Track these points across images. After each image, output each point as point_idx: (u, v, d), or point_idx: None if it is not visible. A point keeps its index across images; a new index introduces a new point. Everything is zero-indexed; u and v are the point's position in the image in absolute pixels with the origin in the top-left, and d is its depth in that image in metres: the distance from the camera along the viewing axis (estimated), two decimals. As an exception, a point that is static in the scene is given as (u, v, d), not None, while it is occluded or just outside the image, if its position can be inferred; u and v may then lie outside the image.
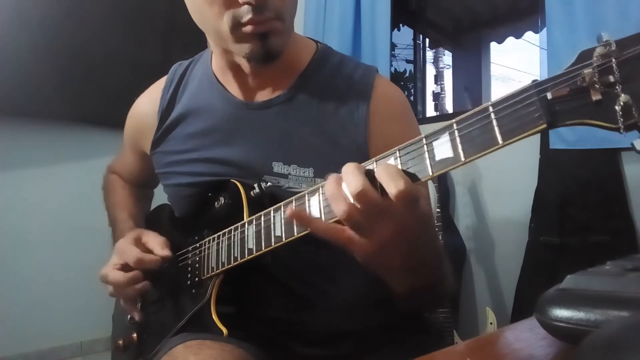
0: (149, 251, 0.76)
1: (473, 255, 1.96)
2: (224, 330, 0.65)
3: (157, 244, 0.76)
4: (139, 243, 0.77)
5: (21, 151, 1.86)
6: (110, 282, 0.76)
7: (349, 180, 0.48)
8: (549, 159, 1.68)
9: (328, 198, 0.50)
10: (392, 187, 0.46)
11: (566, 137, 1.60)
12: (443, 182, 1.95)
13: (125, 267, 0.76)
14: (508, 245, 1.84)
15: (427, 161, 0.47)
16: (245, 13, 0.63)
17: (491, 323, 1.64)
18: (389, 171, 0.47)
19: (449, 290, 0.73)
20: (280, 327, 0.74)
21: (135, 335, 0.83)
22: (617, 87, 0.36)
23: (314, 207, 0.56)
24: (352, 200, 0.48)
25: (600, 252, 1.51)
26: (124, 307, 0.82)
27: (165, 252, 0.74)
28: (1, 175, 1.82)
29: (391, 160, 0.50)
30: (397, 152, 0.50)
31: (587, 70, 0.38)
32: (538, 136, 1.71)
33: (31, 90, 1.79)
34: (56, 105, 1.87)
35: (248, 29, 0.65)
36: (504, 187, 1.86)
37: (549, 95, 0.39)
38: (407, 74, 3.34)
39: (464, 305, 1.96)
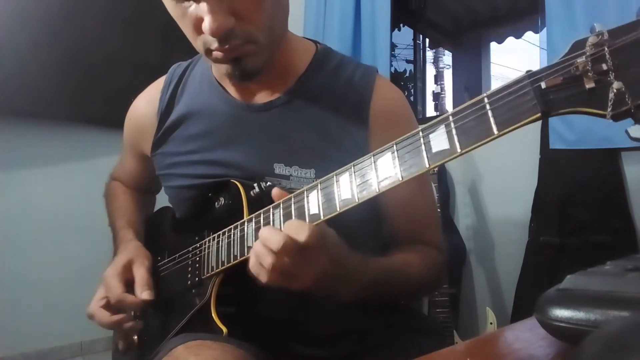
0: (135, 284, 0.75)
1: (473, 255, 1.96)
2: (224, 330, 0.65)
3: (140, 284, 0.74)
4: (128, 271, 0.76)
5: (21, 151, 1.86)
6: (97, 323, 0.76)
7: (271, 240, 0.55)
8: (549, 159, 1.68)
9: (257, 256, 0.58)
10: (301, 236, 0.54)
11: (566, 137, 1.60)
12: (443, 182, 1.95)
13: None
14: (508, 245, 1.84)
15: (424, 153, 0.47)
16: (212, 41, 0.64)
17: (491, 323, 1.64)
18: (294, 226, 0.55)
19: (426, 285, 0.80)
20: (280, 326, 0.74)
21: (136, 337, 0.83)
22: (610, 74, 0.37)
23: (313, 203, 0.57)
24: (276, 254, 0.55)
25: (600, 252, 1.51)
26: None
27: (145, 295, 0.73)
28: (1, 175, 1.82)
29: (388, 155, 0.50)
30: (394, 146, 0.50)
31: (580, 59, 0.38)
32: (538, 136, 1.71)
33: (31, 90, 1.79)
34: (56, 105, 1.87)
35: (218, 55, 0.66)
36: (504, 187, 1.86)
37: (543, 85, 0.40)
38: (407, 74, 3.34)
39: (464, 305, 1.96)
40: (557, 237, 1.62)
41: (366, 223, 0.73)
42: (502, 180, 1.86)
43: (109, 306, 0.75)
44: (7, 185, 1.82)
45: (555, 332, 0.36)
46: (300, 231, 0.54)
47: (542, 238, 1.65)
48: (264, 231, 0.57)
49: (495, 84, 3.44)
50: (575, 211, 1.61)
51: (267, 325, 0.73)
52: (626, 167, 1.57)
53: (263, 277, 0.58)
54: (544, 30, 1.74)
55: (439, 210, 1.71)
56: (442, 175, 1.93)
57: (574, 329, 0.34)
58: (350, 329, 0.75)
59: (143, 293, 0.73)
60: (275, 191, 0.63)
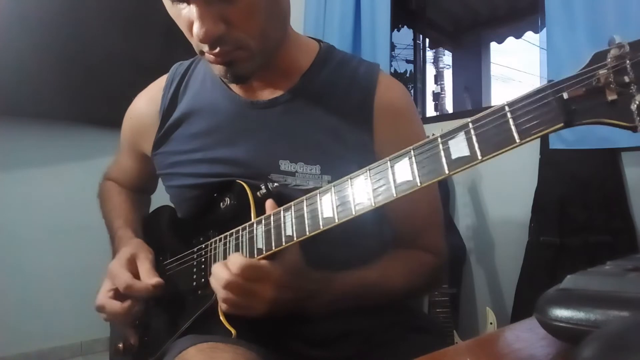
0: (141, 275, 0.74)
1: (473, 255, 1.96)
2: (233, 331, 0.64)
3: (147, 272, 0.73)
4: (132, 264, 0.75)
5: (21, 151, 1.86)
6: (108, 313, 0.75)
7: (218, 277, 0.62)
8: (549, 159, 1.68)
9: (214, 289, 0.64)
10: (235, 267, 0.61)
11: (566, 137, 1.60)
12: (443, 182, 1.95)
13: (118, 292, 0.74)
14: (508, 245, 1.84)
15: (443, 160, 0.47)
16: (203, 45, 0.65)
17: (491, 323, 1.64)
18: (233, 262, 0.62)
19: (413, 291, 0.81)
20: (284, 328, 0.73)
21: (137, 337, 0.82)
22: (632, 87, 0.37)
23: (326, 206, 0.56)
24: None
25: (600, 252, 1.51)
26: (121, 331, 0.82)
27: (154, 280, 0.72)
28: (1, 175, 1.82)
29: (405, 160, 0.50)
30: (412, 152, 0.50)
31: (602, 71, 0.39)
32: (538, 136, 1.70)
33: (32, 90, 1.79)
34: (57, 105, 1.86)
35: (210, 58, 0.67)
36: (504, 187, 1.86)
37: (565, 95, 0.40)
38: (407, 74, 3.34)
39: (464, 305, 1.96)
40: (557, 237, 1.62)
41: (367, 222, 0.73)
42: (502, 180, 1.86)
43: (117, 297, 0.75)
44: (7, 185, 1.82)
45: (555, 332, 0.36)
46: (235, 265, 0.61)
47: (542, 238, 1.65)
48: (215, 268, 0.64)
49: (495, 84, 3.44)
50: (575, 211, 1.61)
51: (272, 327, 0.73)
52: (626, 167, 1.57)
53: (223, 308, 0.64)
54: (544, 30, 1.74)
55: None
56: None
57: (574, 329, 0.34)
58: (353, 330, 0.75)
59: (152, 280, 0.72)
60: (268, 204, 0.66)
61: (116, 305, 0.74)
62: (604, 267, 0.42)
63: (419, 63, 2.75)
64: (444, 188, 1.96)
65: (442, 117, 2.91)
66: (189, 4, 0.62)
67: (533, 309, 0.38)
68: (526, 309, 0.41)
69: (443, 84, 3.84)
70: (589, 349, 0.26)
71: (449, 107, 3.68)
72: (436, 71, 3.88)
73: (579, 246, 1.57)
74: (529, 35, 3.06)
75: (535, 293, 0.39)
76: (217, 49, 0.65)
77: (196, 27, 0.61)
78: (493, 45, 3.40)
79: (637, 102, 0.37)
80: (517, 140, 0.43)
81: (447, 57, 3.84)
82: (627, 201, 1.55)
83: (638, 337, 0.26)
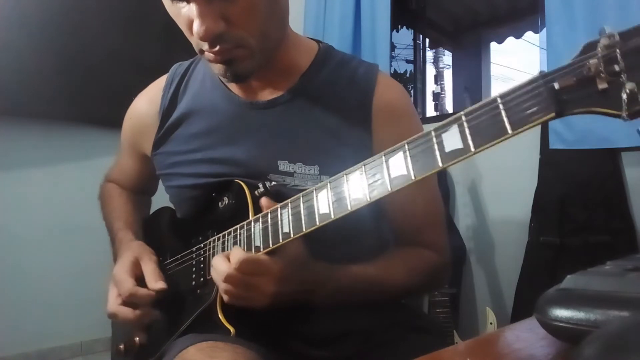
0: (146, 277, 0.74)
1: (473, 255, 1.96)
2: (232, 330, 0.65)
3: (152, 274, 0.73)
4: (136, 268, 0.75)
5: (21, 151, 1.86)
6: (121, 320, 0.75)
7: (218, 270, 0.63)
8: (549, 159, 1.68)
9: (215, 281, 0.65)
10: (234, 261, 0.61)
11: (566, 137, 1.60)
12: (443, 182, 1.95)
13: None
14: (508, 245, 1.83)
15: (437, 153, 0.47)
16: (203, 43, 0.65)
17: (491, 323, 1.64)
18: (233, 255, 0.63)
19: (416, 288, 0.82)
20: (284, 327, 0.73)
21: (137, 338, 0.82)
22: (622, 75, 0.37)
23: (322, 202, 0.57)
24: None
25: (600, 252, 1.51)
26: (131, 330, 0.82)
27: (158, 285, 0.72)
28: (1, 175, 1.82)
29: (400, 154, 0.50)
30: (406, 146, 0.50)
31: (592, 61, 0.39)
32: (538, 136, 1.71)
33: (32, 90, 1.79)
34: (57, 105, 1.86)
35: (209, 56, 0.67)
36: (504, 187, 1.86)
37: (556, 86, 0.40)
38: (407, 74, 3.34)
39: (464, 305, 1.96)
40: (557, 237, 1.62)
41: (366, 220, 0.73)
42: (502, 180, 1.86)
43: (126, 303, 0.75)
44: (6, 185, 1.82)
45: (555, 332, 0.36)
46: (235, 259, 0.61)
47: (542, 238, 1.65)
48: (214, 261, 0.64)
49: (495, 84, 3.44)
50: (575, 211, 1.61)
51: (272, 326, 0.73)
52: (626, 167, 1.57)
53: (225, 299, 0.65)
54: (544, 30, 1.74)
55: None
56: (442, 175, 1.93)
57: (574, 329, 0.34)
58: (353, 329, 0.75)
59: (156, 284, 0.72)
60: (263, 201, 0.66)
61: (128, 313, 0.74)
62: (604, 267, 0.42)
63: (419, 63, 2.75)
64: (444, 188, 1.96)
65: (442, 117, 2.90)
66: (188, 2, 0.62)
67: (533, 309, 0.38)
68: (526, 309, 0.41)
69: (443, 84, 3.84)
70: (589, 349, 0.26)
71: (449, 107, 3.67)
72: (436, 71, 3.88)
73: (579, 246, 1.57)
74: (529, 35, 3.06)
75: (535, 293, 0.39)
76: (217, 47, 0.65)
77: (196, 25, 0.62)
78: (493, 45, 3.39)
79: (628, 91, 0.37)
80: (510, 131, 0.42)
81: (447, 57, 3.83)
82: (627, 201, 1.55)
83: (638, 337, 0.26)
